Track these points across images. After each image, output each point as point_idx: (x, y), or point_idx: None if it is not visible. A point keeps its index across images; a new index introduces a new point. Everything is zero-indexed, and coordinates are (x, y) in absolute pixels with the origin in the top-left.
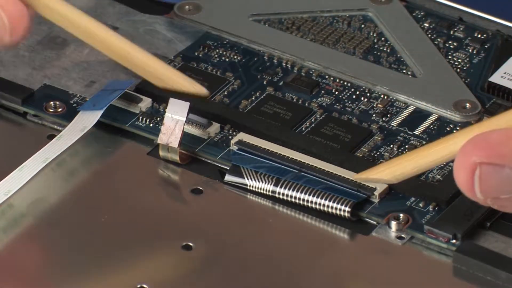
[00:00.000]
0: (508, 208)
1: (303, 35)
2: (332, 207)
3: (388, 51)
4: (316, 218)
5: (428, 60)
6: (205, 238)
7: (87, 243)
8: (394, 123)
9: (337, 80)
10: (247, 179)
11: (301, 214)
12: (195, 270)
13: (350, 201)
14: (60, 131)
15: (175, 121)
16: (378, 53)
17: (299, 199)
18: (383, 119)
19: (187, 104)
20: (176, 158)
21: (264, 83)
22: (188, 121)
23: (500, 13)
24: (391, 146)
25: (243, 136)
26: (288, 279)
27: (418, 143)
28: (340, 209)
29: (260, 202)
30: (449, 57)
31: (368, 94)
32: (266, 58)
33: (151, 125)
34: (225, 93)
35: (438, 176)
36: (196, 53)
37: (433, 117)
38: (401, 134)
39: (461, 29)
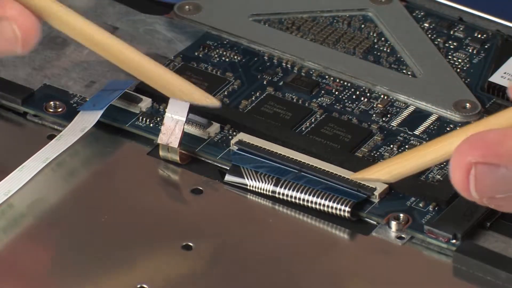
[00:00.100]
0: (505, 208)
1: (303, 35)
2: (332, 207)
3: (388, 51)
4: (316, 218)
5: (428, 60)
6: (205, 238)
7: (87, 243)
8: (394, 123)
9: (337, 80)
10: (247, 179)
11: (301, 214)
12: (195, 270)
13: (350, 201)
14: (60, 131)
15: (175, 121)
16: (378, 53)
17: (299, 199)
18: (383, 119)
19: (187, 104)
20: (176, 158)
21: (264, 83)
22: (188, 121)
23: (500, 13)
24: (391, 146)
25: (243, 136)
26: (288, 279)
27: (418, 143)
28: (340, 209)
29: (260, 202)
30: (449, 57)
31: (368, 94)
32: (266, 58)
33: (151, 125)
34: (225, 93)
35: (438, 176)
36: (196, 53)
37: (433, 117)
38: (401, 134)
39: (461, 29)
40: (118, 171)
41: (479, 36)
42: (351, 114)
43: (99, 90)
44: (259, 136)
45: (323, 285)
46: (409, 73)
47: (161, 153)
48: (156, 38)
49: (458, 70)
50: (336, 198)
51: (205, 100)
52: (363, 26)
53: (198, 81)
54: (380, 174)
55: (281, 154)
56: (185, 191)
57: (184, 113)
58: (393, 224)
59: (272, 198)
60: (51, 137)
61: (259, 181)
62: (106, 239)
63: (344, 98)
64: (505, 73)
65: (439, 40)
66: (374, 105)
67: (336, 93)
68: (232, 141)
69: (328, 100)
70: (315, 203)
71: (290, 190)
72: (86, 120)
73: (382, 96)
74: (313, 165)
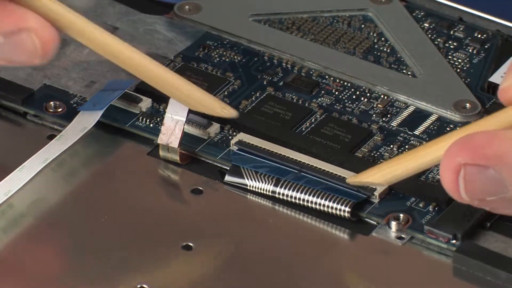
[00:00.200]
0: (500, 210)
1: (303, 35)
2: (332, 207)
3: (388, 51)
4: (316, 218)
5: (428, 60)
6: (205, 238)
7: (87, 243)
8: (394, 123)
9: (337, 80)
10: (247, 179)
11: (301, 214)
12: (195, 270)
13: (350, 201)
14: (60, 131)
15: (175, 121)
16: (378, 53)
17: (299, 199)
18: (383, 119)
19: None
20: (176, 158)
21: (264, 83)
22: (188, 121)
23: (500, 13)
24: (391, 146)
25: (243, 136)
26: (288, 279)
27: (418, 143)
28: (340, 209)
29: (260, 202)
30: (449, 57)
31: (368, 94)
32: (266, 58)
33: (151, 125)
34: (225, 93)
35: (438, 176)
36: (196, 53)
37: (433, 117)
38: (401, 134)
39: (461, 29)
40: (118, 171)
41: (479, 36)
42: (351, 114)
43: (99, 90)
44: (259, 136)
45: (323, 285)
46: (409, 73)
47: (161, 153)
48: (156, 38)
49: (458, 70)
50: (336, 198)
51: (222, 112)
52: (363, 26)
53: (198, 81)
54: (374, 178)
55: (281, 154)
56: (185, 191)
57: (184, 113)
58: (393, 224)
59: (272, 198)
60: (51, 137)
61: (259, 181)
62: (106, 239)
63: (344, 98)
64: (505, 73)
65: (439, 40)
66: (374, 105)
67: (336, 93)
68: (232, 141)
69: (328, 100)
70: (315, 203)
71: (290, 190)
72: (86, 120)
73: (382, 96)
74: (313, 165)
